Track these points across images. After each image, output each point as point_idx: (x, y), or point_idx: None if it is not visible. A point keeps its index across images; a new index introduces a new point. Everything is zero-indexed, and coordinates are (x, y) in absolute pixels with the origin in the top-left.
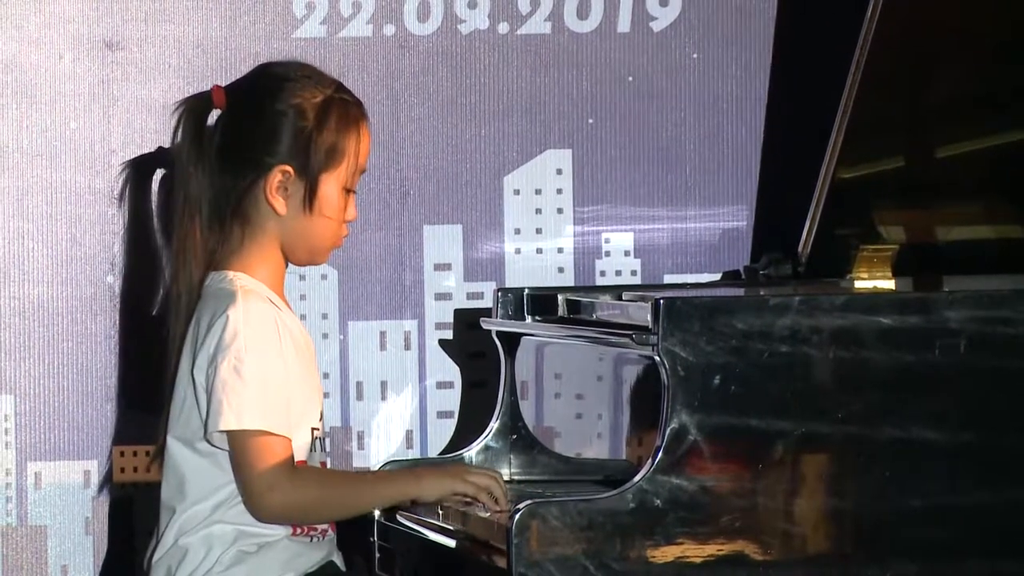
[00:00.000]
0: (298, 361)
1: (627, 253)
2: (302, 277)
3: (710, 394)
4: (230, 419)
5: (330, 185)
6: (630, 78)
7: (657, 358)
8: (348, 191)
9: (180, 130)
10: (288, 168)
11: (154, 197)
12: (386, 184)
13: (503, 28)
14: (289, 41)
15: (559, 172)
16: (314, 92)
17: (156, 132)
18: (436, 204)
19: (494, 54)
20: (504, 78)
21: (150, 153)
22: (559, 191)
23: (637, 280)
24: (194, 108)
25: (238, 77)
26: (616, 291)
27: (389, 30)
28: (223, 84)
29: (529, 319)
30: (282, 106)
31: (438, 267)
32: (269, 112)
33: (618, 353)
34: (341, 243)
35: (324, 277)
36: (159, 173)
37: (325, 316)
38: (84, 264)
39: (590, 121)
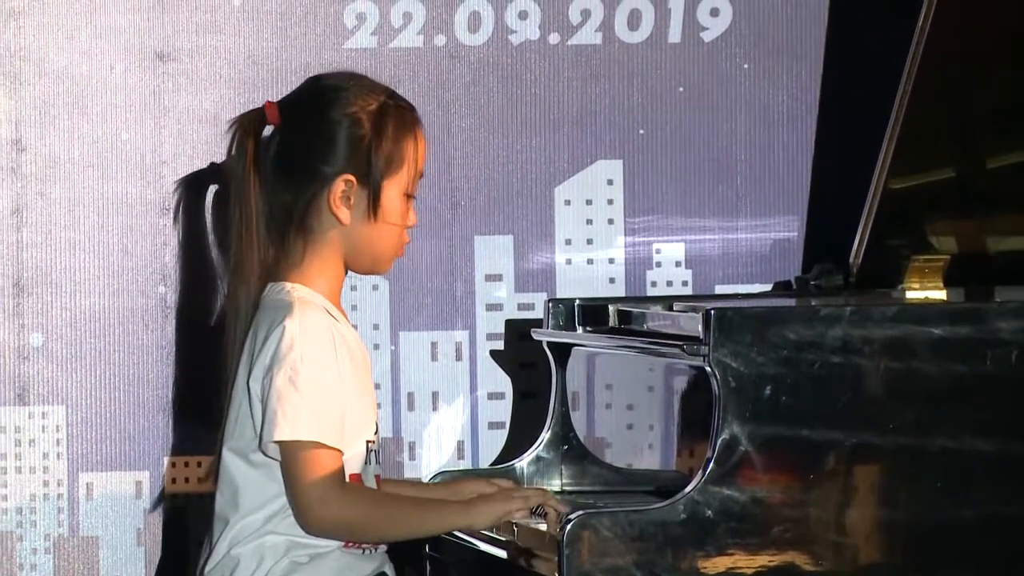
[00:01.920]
0: (354, 373)
1: (678, 264)
2: (354, 288)
3: (761, 405)
4: (284, 429)
5: (392, 191)
6: (681, 88)
7: (708, 368)
8: (408, 196)
9: (235, 148)
10: (351, 177)
11: (207, 210)
12: (437, 195)
13: (554, 39)
14: (340, 52)
15: (610, 183)
16: (368, 100)
17: (207, 143)
18: (487, 215)
19: (545, 65)
20: (555, 89)
21: (203, 169)
22: (610, 202)
23: (688, 291)
24: (248, 125)
25: (289, 90)
26: (667, 302)
27: (440, 41)
28: (274, 96)
29: (580, 330)
30: (338, 115)
31: (489, 278)
32: (325, 123)
33: (669, 364)
34: (403, 251)
35: (375, 288)
36: (212, 188)
37: (376, 327)
38: (136, 275)
39: (641, 132)
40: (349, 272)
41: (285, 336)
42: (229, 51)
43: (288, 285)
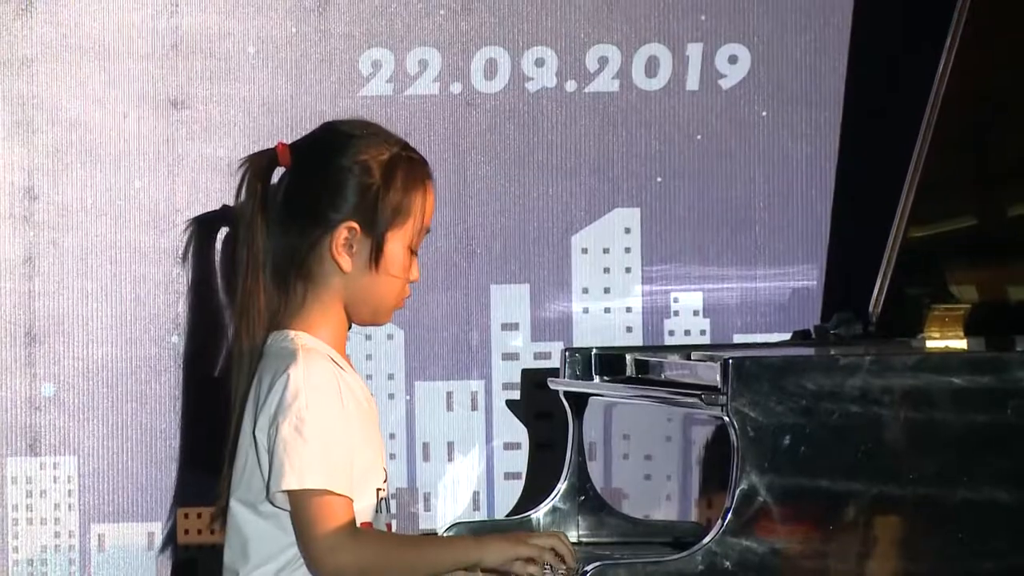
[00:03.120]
0: (360, 420)
1: (696, 313)
2: (368, 337)
3: (780, 455)
4: (292, 479)
5: (396, 243)
6: (699, 136)
7: (726, 418)
8: (412, 251)
9: (244, 188)
10: (354, 225)
11: (217, 255)
12: (452, 243)
13: (571, 86)
14: (355, 100)
15: (627, 231)
16: (380, 149)
17: (221, 191)
18: (503, 263)
19: (561, 112)
20: (572, 136)
21: (214, 211)
22: (627, 250)
23: (706, 340)
24: (258, 165)
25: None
26: (685, 351)
27: (456, 88)
28: (279, 142)
29: (597, 379)
30: (348, 162)
31: (505, 327)
32: (335, 168)
33: (687, 413)
34: (403, 304)
35: (390, 337)
36: (223, 231)
37: (391, 376)
38: (148, 324)
39: (658, 180)
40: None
41: (290, 385)
42: (243, 99)
43: (292, 333)
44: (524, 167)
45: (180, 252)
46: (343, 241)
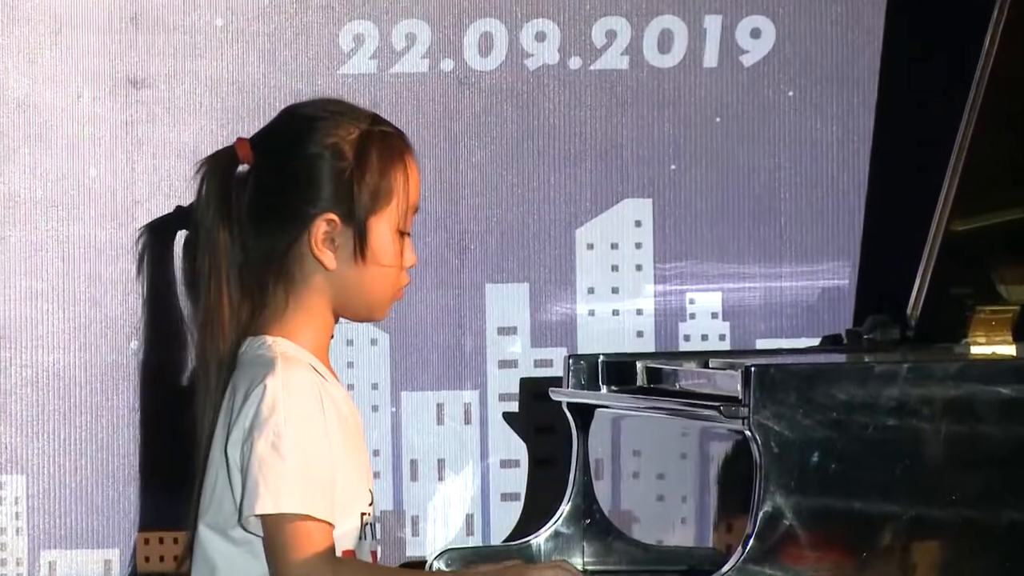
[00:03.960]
0: (344, 437)
1: (714, 315)
2: (349, 342)
3: (808, 473)
4: (266, 502)
5: (381, 229)
6: (718, 119)
7: (748, 433)
8: (402, 234)
9: (203, 193)
10: (333, 216)
11: (177, 260)
12: (443, 238)
13: (575, 63)
14: (335, 78)
15: (638, 224)
16: (348, 128)
17: (186, 180)
18: (500, 260)
19: (565, 92)
20: (576, 119)
21: (178, 206)
22: (638, 245)
23: (726, 345)
24: (217, 167)
25: (262, 126)
26: (702, 358)
27: (447, 65)
28: (253, 131)
29: (604, 389)
30: (316, 148)
31: (502, 331)
32: (303, 157)
33: (704, 427)
34: (402, 294)
35: (374, 343)
36: (182, 234)
37: (375, 386)
38: (105, 328)
39: (673, 167)
40: (346, 325)
41: (266, 396)
42: (211, 77)
43: (269, 339)
44: (523, 153)
45: (141, 249)
46: (323, 236)
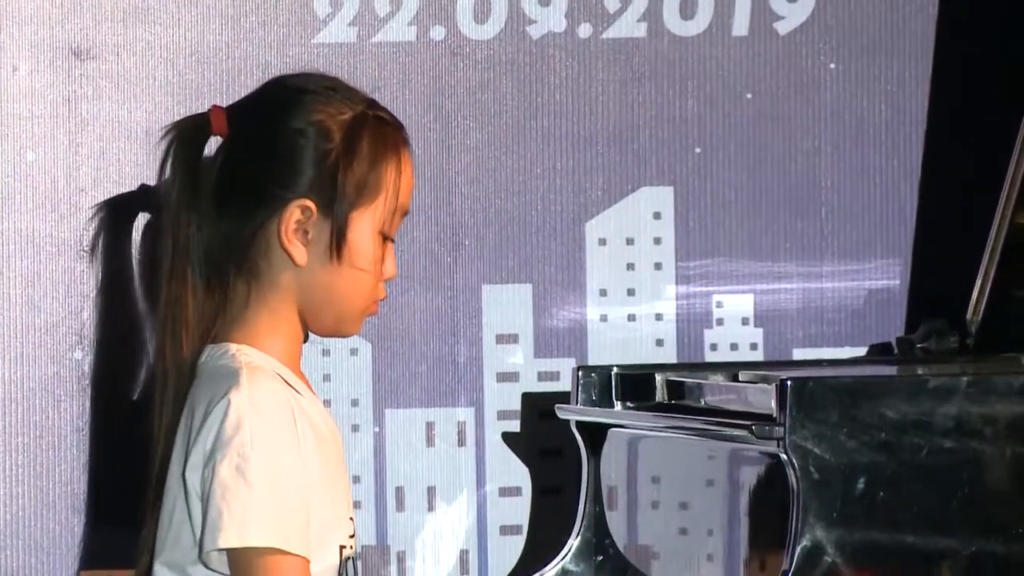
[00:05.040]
0: (321, 459)
1: (745, 321)
2: (326, 352)
3: (852, 503)
4: (231, 534)
5: (362, 227)
6: (748, 95)
7: (783, 456)
8: (385, 238)
9: (169, 164)
10: (309, 203)
11: (135, 249)
12: (434, 231)
13: (584, 31)
14: (308, 48)
15: (657, 216)
16: (340, 107)
17: (137, 165)
18: (498, 258)
19: (573, 64)
20: (586, 95)
21: (129, 193)
22: (657, 241)
23: (758, 355)
24: (187, 135)
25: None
26: (731, 369)
27: (438, 33)
28: (224, 103)
29: (618, 406)
30: (300, 124)
31: (501, 339)
32: (283, 132)
33: (734, 450)
34: (376, 309)
35: (354, 352)
36: (142, 219)
37: (355, 403)
38: (44, 335)
39: (697, 151)
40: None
41: (230, 413)
42: (166, 47)
43: (233, 347)
44: (525, 135)
45: (86, 244)
46: (295, 225)
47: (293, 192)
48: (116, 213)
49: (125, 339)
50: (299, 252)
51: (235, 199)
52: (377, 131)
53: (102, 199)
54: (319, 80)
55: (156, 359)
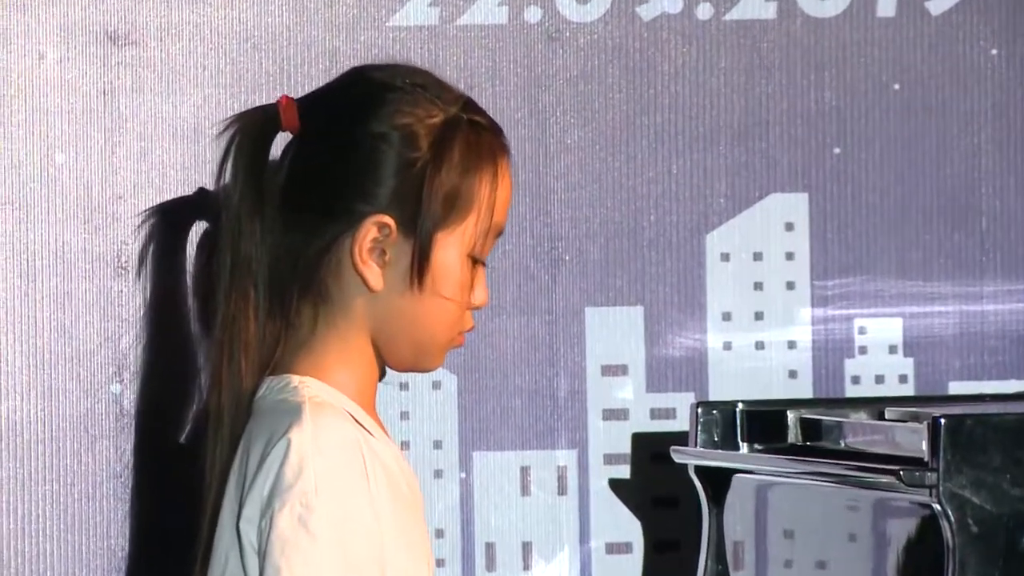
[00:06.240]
0: (397, 511)
1: (892, 349)
2: (403, 386)
3: (1017, 560)
4: None
5: (449, 249)
6: (896, 86)
7: (937, 506)
8: (475, 261)
9: (231, 163)
10: (388, 220)
11: (189, 264)
12: (528, 245)
13: (704, 11)
14: (383, 31)
15: (789, 228)
16: (431, 109)
17: (184, 169)
18: (603, 276)
19: (691, 50)
20: (706, 87)
21: (179, 199)
22: (789, 256)
23: (908, 389)
24: (252, 130)
25: (318, 87)
26: (876, 406)
27: (533, 15)
28: (281, 95)
29: (744, 448)
30: (382, 127)
31: (607, 370)
32: (362, 136)
33: (879, 499)
34: (462, 341)
35: (437, 386)
36: (196, 228)
37: (438, 445)
38: (76, 366)
39: (836, 151)
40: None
41: (291, 454)
42: (218, 31)
43: (295, 379)
44: (634, 132)
45: (124, 260)
46: (371, 244)
47: (370, 205)
48: (160, 223)
49: (171, 370)
50: (374, 275)
51: (304, 209)
52: (471, 138)
53: (143, 207)
54: (407, 74)
55: (210, 390)
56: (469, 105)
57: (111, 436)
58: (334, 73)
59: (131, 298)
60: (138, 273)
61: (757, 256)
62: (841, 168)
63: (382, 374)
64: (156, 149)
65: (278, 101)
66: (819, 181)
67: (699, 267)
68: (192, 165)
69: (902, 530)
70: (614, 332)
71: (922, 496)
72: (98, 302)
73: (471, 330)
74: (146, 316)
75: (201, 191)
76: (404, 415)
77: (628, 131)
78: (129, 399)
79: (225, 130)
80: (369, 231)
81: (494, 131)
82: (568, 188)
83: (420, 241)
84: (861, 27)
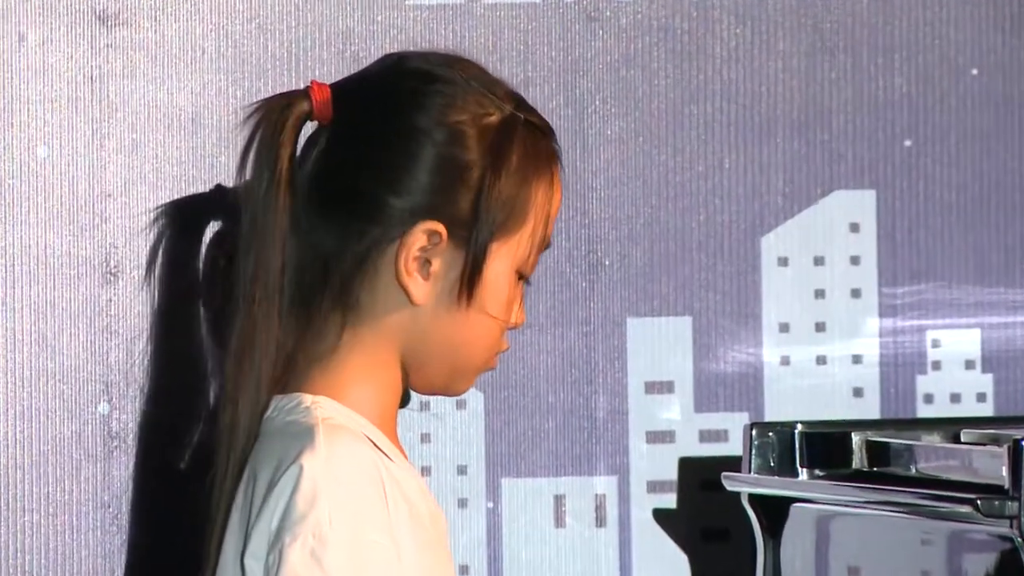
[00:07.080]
0: (418, 544)
1: (970, 364)
2: (424, 405)
3: None
4: None
5: (502, 263)
6: (974, 71)
7: (1019, 539)
8: (521, 278)
9: (253, 155)
10: (439, 228)
11: (200, 267)
12: (564, 249)
13: None
14: (403, 11)
15: (855, 229)
16: (485, 106)
17: (181, 163)
18: (647, 283)
19: (745, 32)
20: (761, 72)
21: (198, 196)
22: (855, 261)
23: (987, 409)
24: (279, 118)
25: (326, 77)
26: (951, 427)
27: None
28: (293, 83)
29: (804, 474)
30: (428, 123)
31: (652, 387)
32: (406, 131)
33: (955, 530)
34: (496, 363)
35: (461, 405)
36: (211, 228)
37: (463, 471)
38: (60, 383)
39: (907, 143)
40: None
41: (303, 482)
42: (217, 10)
43: (308, 398)
44: (682, 123)
45: (114, 265)
46: (417, 253)
47: (416, 210)
48: (170, 223)
49: (170, 386)
50: (419, 288)
51: (336, 209)
52: (529, 141)
53: (134, 206)
54: (453, 64)
55: (225, 408)
56: (522, 103)
57: (99, 461)
58: (347, 56)
59: (121, 308)
60: (146, 277)
61: (818, 260)
62: (912, 162)
63: (405, 397)
64: (149, 141)
65: (308, 87)
66: (888, 177)
67: (754, 273)
68: (189, 159)
69: (980, 565)
70: (659, 345)
71: (1002, 528)
72: (84, 312)
73: (506, 350)
74: (158, 326)
75: (218, 188)
76: (425, 437)
77: (675, 121)
78: (119, 420)
79: (248, 117)
80: (418, 239)
81: (547, 132)
82: (608, 185)
83: (474, 252)
84: (933, 5)
